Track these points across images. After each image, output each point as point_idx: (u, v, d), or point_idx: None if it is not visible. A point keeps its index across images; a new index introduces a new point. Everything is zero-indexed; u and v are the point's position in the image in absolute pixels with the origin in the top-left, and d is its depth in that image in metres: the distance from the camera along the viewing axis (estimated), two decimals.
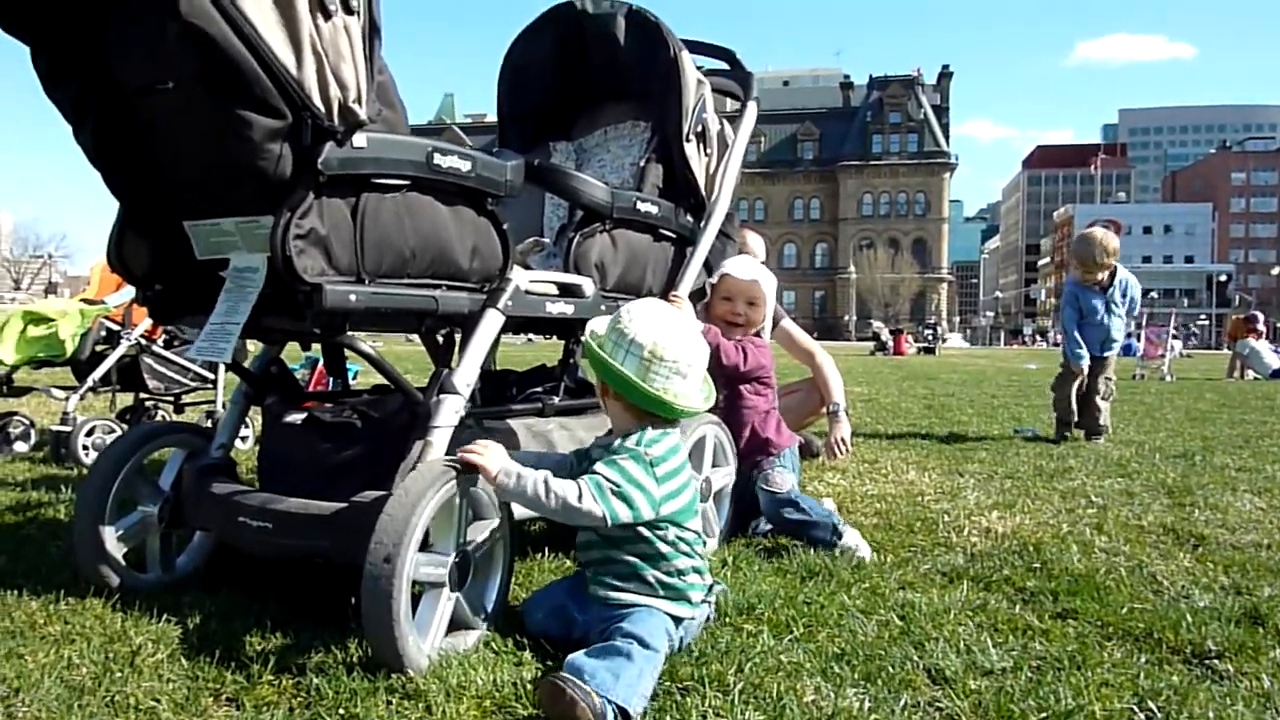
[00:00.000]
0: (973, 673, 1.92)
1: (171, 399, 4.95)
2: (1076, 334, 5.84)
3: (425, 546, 1.91)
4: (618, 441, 1.98)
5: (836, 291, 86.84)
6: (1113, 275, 5.84)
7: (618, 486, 1.89)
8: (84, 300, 4.85)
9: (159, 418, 5.09)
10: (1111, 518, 3.53)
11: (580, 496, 1.89)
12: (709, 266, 3.11)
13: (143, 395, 4.95)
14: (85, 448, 4.31)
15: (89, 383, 4.52)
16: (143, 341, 4.64)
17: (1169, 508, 3.75)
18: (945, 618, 2.27)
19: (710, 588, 2.08)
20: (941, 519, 3.43)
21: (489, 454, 1.94)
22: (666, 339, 1.98)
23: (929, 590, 2.51)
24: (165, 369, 4.78)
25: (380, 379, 2.23)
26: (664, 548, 1.97)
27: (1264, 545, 3.07)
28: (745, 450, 3.01)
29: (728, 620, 2.21)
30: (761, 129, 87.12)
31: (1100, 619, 2.29)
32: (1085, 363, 5.82)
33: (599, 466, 1.94)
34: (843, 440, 4.07)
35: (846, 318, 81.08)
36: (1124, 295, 5.85)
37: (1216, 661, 2.02)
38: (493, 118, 3.87)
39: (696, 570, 2.03)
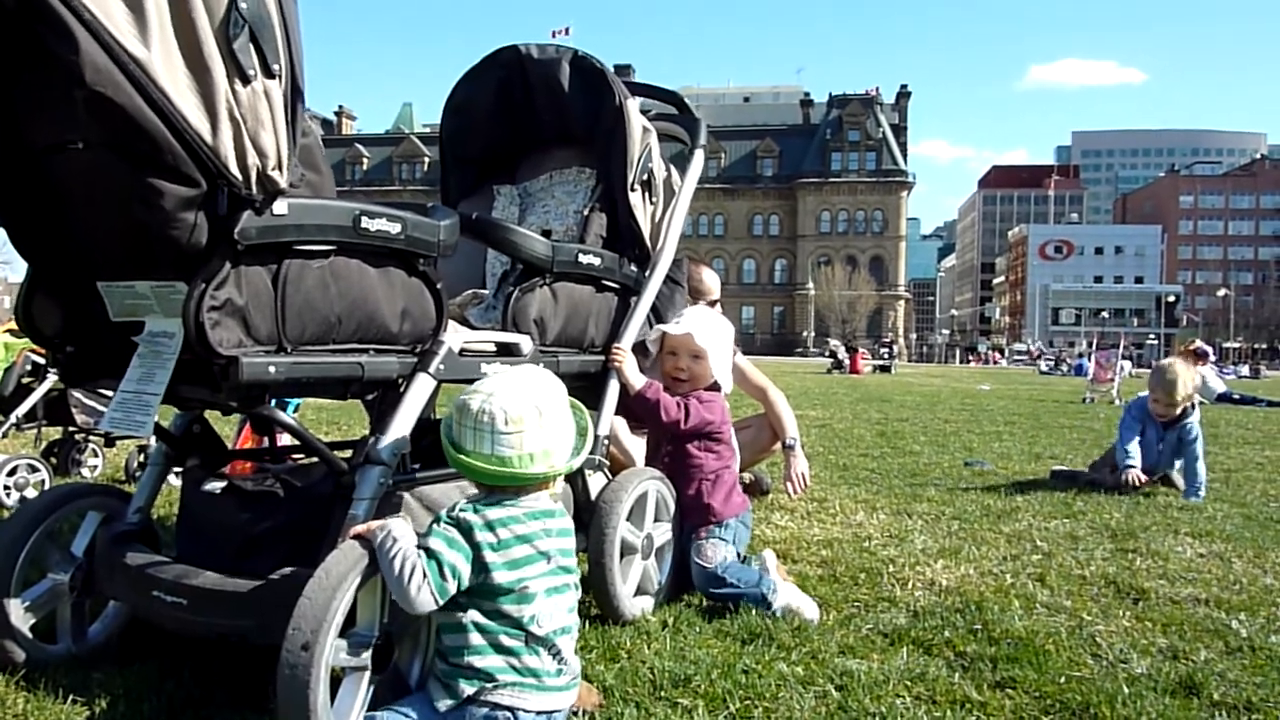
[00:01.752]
0: None
1: (102, 434, 4.80)
2: (1130, 446, 5.49)
3: (348, 628, 1.84)
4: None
5: (795, 307, 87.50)
6: (1184, 414, 5.43)
7: (436, 556, 1.78)
8: (8, 331, 4.70)
9: (88, 452, 4.93)
10: (1055, 566, 3.55)
11: (411, 572, 1.76)
12: (658, 314, 3.09)
13: (71, 429, 4.80)
14: (6, 488, 4.17)
15: (13, 419, 4.38)
16: None
17: (1112, 554, 3.78)
18: (884, 689, 2.25)
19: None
20: (886, 569, 3.42)
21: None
22: (489, 398, 1.86)
23: (869, 655, 2.49)
24: (95, 403, 4.64)
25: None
26: (468, 636, 1.81)
27: (1201, 600, 3.10)
28: (686, 512, 2.97)
29: (663, 694, 2.17)
30: (722, 144, 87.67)
31: (1039, 689, 2.28)
32: (1134, 473, 5.28)
33: (424, 536, 1.84)
34: (801, 475, 4.08)
35: (805, 333, 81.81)
36: (1189, 440, 5.35)
37: None
38: None
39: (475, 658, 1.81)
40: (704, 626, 2.69)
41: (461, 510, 1.85)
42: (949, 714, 2.12)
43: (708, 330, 3.05)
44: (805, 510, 4.60)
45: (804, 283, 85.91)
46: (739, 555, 2.98)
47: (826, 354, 37.90)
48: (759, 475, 4.86)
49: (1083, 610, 2.96)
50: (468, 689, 1.79)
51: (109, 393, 4.77)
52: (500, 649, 1.82)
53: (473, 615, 1.81)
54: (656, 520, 2.89)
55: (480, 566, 1.80)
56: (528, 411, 1.85)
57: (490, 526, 1.82)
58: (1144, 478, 5.38)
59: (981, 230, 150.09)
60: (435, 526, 1.84)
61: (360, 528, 1.90)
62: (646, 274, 3.00)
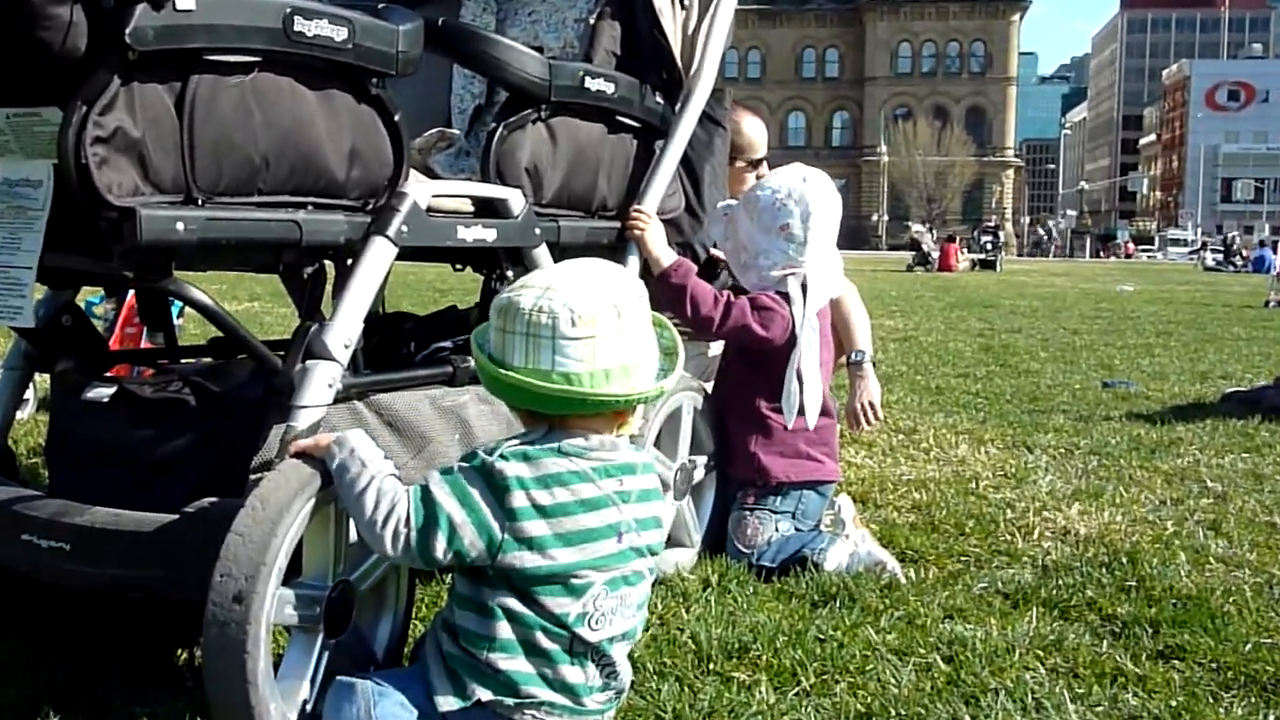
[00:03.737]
0: None
1: None
2: None
3: (292, 577, 1.91)
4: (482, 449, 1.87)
5: (861, 181, 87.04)
6: None
7: (432, 504, 1.79)
8: None
9: None
10: (1233, 512, 3.66)
11: (389, 510, 1.79)
12: (691, 169, 3.11)
13: None
14: None
15: None
16: None
17: None
18: (1008, 660, 2.34)
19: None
20: (1003, 515, 3.53)
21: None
22: (546, 291, 1.85)
23: (986, 620, 2.59)
24: None
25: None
26: (494, 624, 1.81)
27: None
28: (730, 460, 3.07)
29: (712, 666, 2.26)
30: None
31: (1216, 659, 2.38)
32: None
33: (432, 474, 1.85)
34: (870, 405, 4.03)
35: (875, 217, 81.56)
36: None
37: None
38: None
39: (545, 680, 1.82)
40: (759, 587, 2.80)
41: (502, 455, 1.80)
42: (1097, 690, 2.22)
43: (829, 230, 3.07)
44: (887, 444, 4.72)
45: (873, 145, 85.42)
46: (802, 531, 3.05)
47: (907, 244, 37.78)
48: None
49: (1272, 565, 3.06)
50: (481, 693, 1.80)
51: None
52: (534, 650, 1.81)
53: (503, 599, 1.80)
54: (695, 450, 2.96)
55: (516, 539, 1.78)
56: (602, 310, 1.83)
57: (544, 483, 1.80)
58: None
59: (1125, 69, 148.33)
60: (453, 468, 1.83)
61: (306, 442, 1.95)
62: (677, 108, 3.02)
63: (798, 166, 3.11)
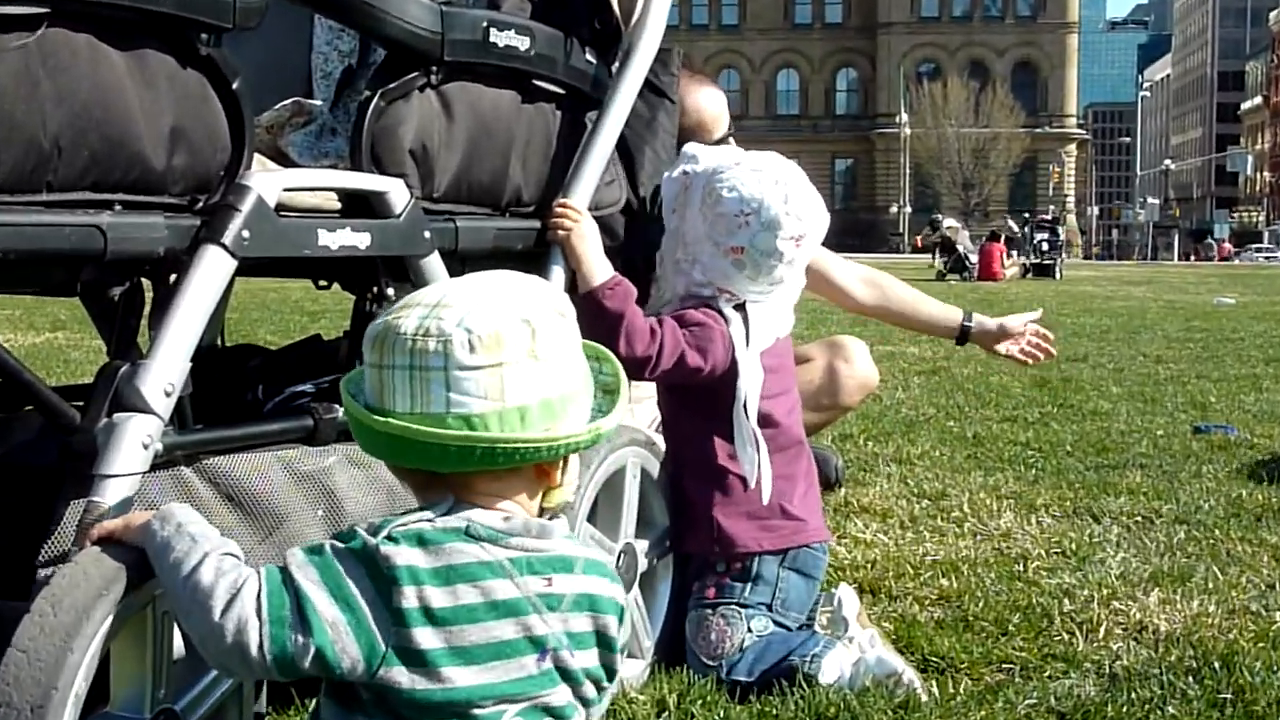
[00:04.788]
0: None
1: None
2: None
3: (94, 708, 1.90)
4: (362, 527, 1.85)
5: (874, 161, 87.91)
6: None
7: (294, 593, 1.78)
8: None
9: None
10: None
11: (231, 597, 1.75)
12: (627, 152, 3.14)
13: None
14: None
15: None
16: None
17: None
18: None
19: None
20: (1059, 607, 3.55)
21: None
22: (435, 310, 1.84)
23: None
24: None
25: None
26: None
27: None
28: (684, 533, 3.10)
29: None
30: None
31: None
32: None
33: (294, 553, 1.82)
34: (1035, 333, 4.11)
35: (894, 207, 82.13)
36: None
37: None
38: None
39: None
40: (732, 710, 2.79)
41: (390, 537, 1.79)
42: None
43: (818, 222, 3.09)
44: (907, 512, 4.74)
45: (890, 113, 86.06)
46: (788, 629, 3.06)
47: (931, 242, 38.00)
48: (821, 453, 4.94)
49: None
50: None
51: None
52: None
53: None
54: (644, 527, 2.98)
55: (402, 652, 1.76)
56: (511, 328, 1.82)
57: (444, 577, 1.78)
58: None
59: (1219, 9, 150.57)
60: (323, 547, 1.81)
61: (113, 523, 1.94)
62: (615, 68, 3.07)
63: (777, 165, 3.10)
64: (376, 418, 1.82)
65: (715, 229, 3.01)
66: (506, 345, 1.80)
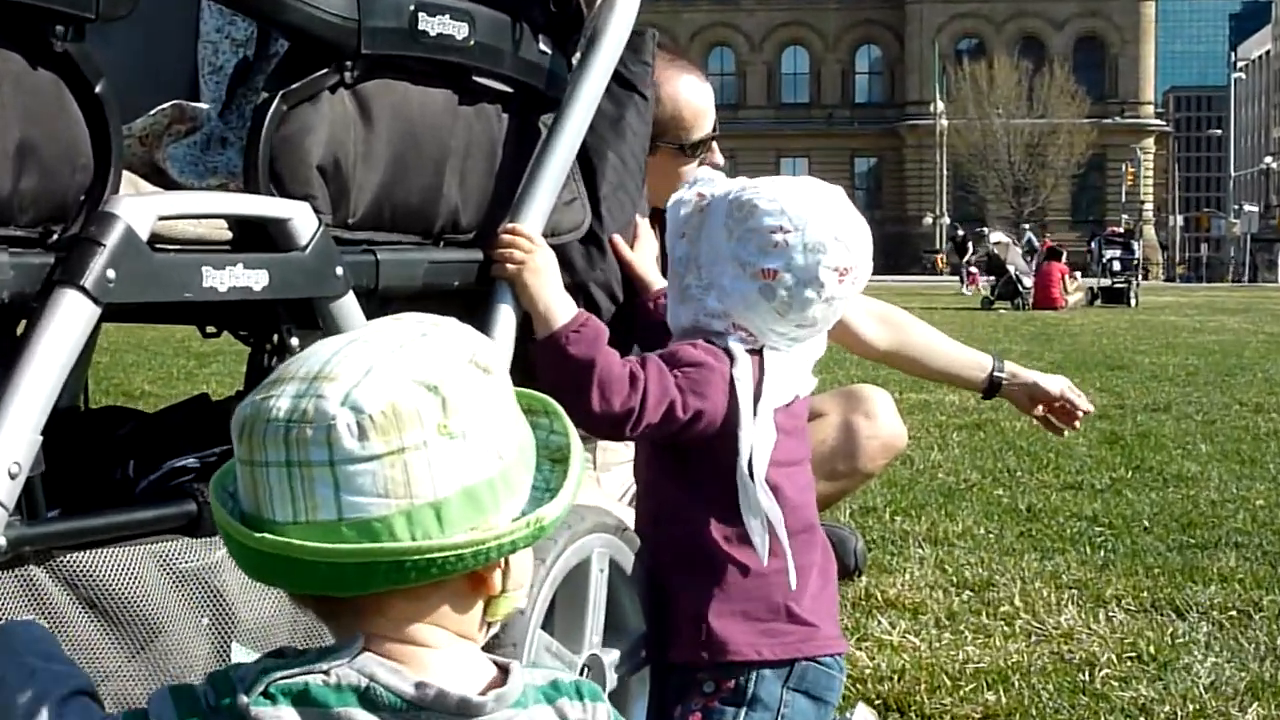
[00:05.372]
0: None
1: None
2: None
3: None
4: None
5: (904, 160, 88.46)
6: None
7: None
8: None
9: None
10: None
11: None
12: (588, 163, 3.12)
13: None
14: None
15: None
16: None
17: None
18: None
19: None
20: None
21: None
22: (318, 381, 1.75)
23: None
24: None
25: None
26: None
27: None
28: (668, 639, 3.00)
29: None
30: None
31: None
32: None
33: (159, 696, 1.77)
34: (1065, 400, 4.14)
35: (928, 220, 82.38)
36: None
37: None
38: None
39: None
40: None
41: (266, 694, 1.71)
42: None
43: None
44: (944, 606, 4.66)
45: (922, 101, 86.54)
46: None
47: (979, 262, 38.21)
48: (836, 532, 4.85)
49: None
50: None
51: None
52: None
53: None
54: (613, 634, 2.92)
55: None
56: (411, 400, 1.73)
57: None
58: None
59: None
60: (198, 694, 1.75)
61: None
62: (576, 59, 3.08)
63: (824, 186, 3.03)
64: (250, 532, 1.73)
65: (745, 247, 2.92)
66: (408, 423, 1.70)
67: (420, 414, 1.70)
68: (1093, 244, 39.87)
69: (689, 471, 2.99)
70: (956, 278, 36.55)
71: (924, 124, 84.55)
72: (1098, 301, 34.43)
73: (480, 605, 1.81)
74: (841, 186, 3.12)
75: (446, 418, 1.72)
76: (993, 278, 33.50)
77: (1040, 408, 4.11)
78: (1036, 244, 40.58)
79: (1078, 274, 36.60)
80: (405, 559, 1.69)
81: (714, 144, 3.80)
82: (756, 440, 2.92)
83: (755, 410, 2.93)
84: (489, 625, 1.85)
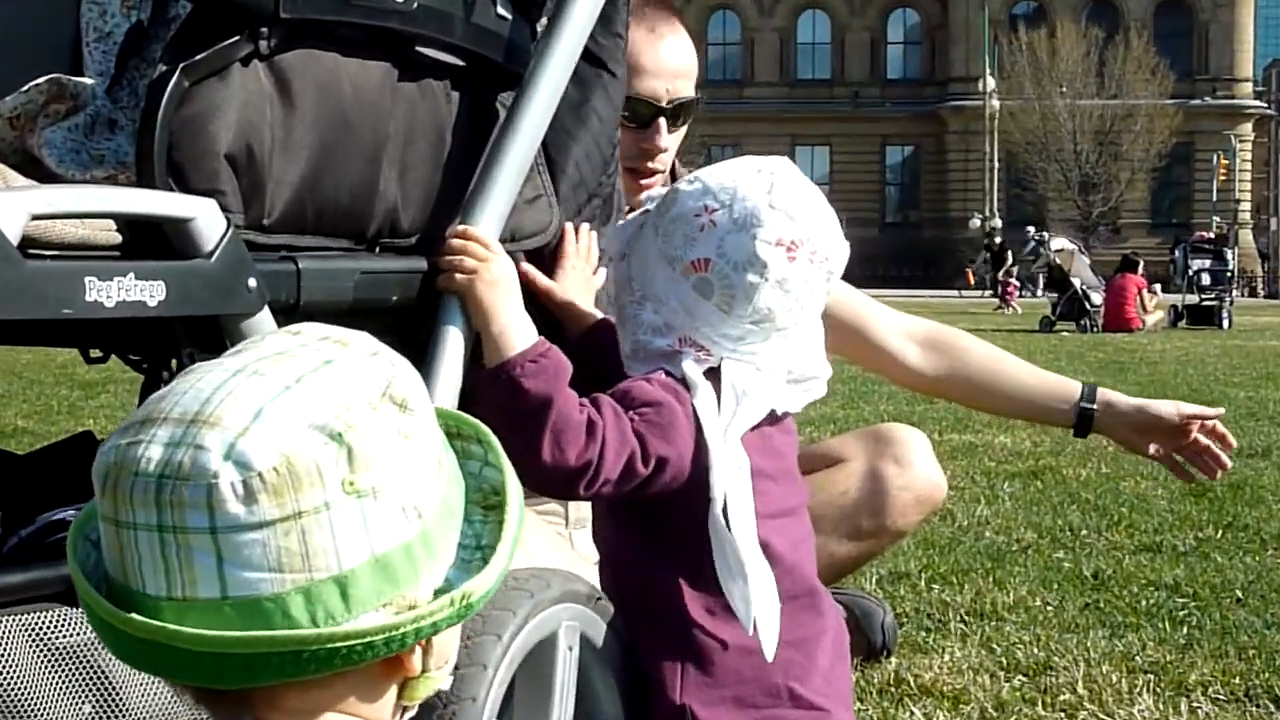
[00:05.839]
0: None
1: None
2: None
3: None
4: None
5: (946, 148, 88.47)
6: None
7: None
8: None
9: None
10: None
11: None
12: (553, 160, 3.17)
13: None
14: None
15: None
16: None
17: None
18: None
19: None
20: None
21: None
22: (215, 421, 1.67)
23: None
24: None
25: None
26: None
27: None
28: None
29: None
30: None
31: None
32: None
33: None
34: (1209, 430, 4.05)
35: (974, 220, 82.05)
36: None
37: None
38: None
39: None
40: None
41: None
42: None
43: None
44: (990, 691, 4.61)
45: (970, 77, 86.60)
46: None
47: (1039, 274, 38.22)
48: (860, 603, 4.83)
49: None
50: None
51: None
52: None
53: None
54: (585, 716, 2.87)
55: None
56: (309, 450, 1.66)
57: None
58: None
59: None
60: None
61: None
62: (541, 28, 3.14)
63: (766, 158, 2.99)
64: (117, 610, 1.67)
65: (670, 241, 2.92)
66: (306, 481, 1.64)
67: (320, 469, 1.64)
68: (1177, 252, 40.11)
69: (656, 529, 2.97)
70: (991, 293, 36.30)
71: (971, 105, 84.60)
72: (1182, 322, 34.64)
73: (394, 689, 1.78)
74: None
75: (353, 472, 1.66)
76: (1055, 294, 33.53)
77: (1156, 445, 4.01)
78: (1042, 249, 40.11)
79: (1158, 289, 36.72)
80: (303, 649, 1.64)
81: (661, 121, 3.82)
82: (729, 478, 2.85)
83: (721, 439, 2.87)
84: (404, 709, 1.81)
